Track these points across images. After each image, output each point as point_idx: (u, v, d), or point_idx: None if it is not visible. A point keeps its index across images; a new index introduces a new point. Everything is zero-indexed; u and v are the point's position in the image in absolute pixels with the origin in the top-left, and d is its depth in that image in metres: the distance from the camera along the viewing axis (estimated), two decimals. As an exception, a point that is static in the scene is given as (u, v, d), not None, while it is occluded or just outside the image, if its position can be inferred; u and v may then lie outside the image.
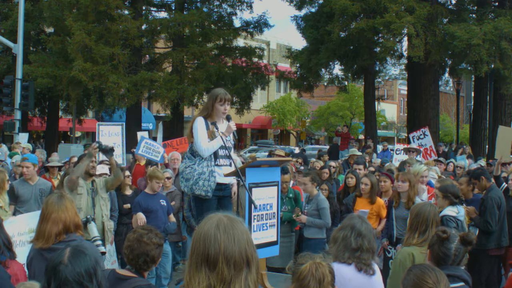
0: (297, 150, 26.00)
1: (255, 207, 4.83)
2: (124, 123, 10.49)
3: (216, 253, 1.98)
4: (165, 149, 12.04)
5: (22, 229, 5.41)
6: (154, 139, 18.38)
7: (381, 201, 7.44)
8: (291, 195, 7.76)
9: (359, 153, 13.77)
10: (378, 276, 3.72)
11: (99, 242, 5.90)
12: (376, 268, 3.71)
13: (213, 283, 1.98)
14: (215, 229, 2.02)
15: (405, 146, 13.39)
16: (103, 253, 5.76)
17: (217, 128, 5.32)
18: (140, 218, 6.90)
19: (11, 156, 12.61)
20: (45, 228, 3.76)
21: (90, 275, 2.29)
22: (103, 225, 6.72)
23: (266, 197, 5.06)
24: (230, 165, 5.41)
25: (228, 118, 5.42)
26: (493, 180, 7.63)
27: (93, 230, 6.05)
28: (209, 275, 1.98)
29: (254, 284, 2.05)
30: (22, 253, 4.54)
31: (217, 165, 5.38)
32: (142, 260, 3.34)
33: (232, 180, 5.62)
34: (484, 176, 7.34)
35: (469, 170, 10.29)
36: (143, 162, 10.46)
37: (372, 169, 9.93)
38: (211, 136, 5.33)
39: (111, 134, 10.12)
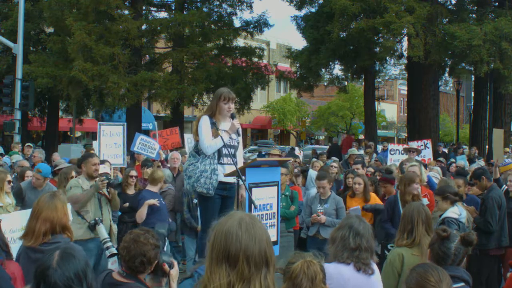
0: (297, 151, 25.95)
1: (255, 207, 4.84)
2: (125, 123, 10.46)
3: (237, 251, 2.03)
4: (156, 139, 12.11)
5: (14, 226, 5.42)
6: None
7: (374, 195, 7.71)
8: (287, 193, 7.76)
9: (358, 152, 13.77)
10: (377, 275, 3.72)
11: (109, 244, 5.93)
12: (375, 267, 3.72)
13: (233, 280, 2.02)
14: (237, 227, 2.07)
15: (404, 146, 13.31)
16: (114, 254, 5.78)
17: (217, 128, 5.36)
18: (151, 203, 6.94)
19: (10, 156, 12.63)
20: (34, 226, 3.79)
21: (80, 279, 2.25)
22: (110, 227, 6.75)
23: (266, 197, 5.07)
24: (236, 164, 5.45)
25: (233, 116, 5.50)
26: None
27: (102, 232, 6.08)
28: (229, 272, 2.03)
29: (273, 283, 2.09)
30: (14, 250, 4.55)
31: (220, 163, 5.41)
32: (138, 261, 3.30)
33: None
34: (485, 176, 7.35)
35: (458, 170, 10.35)
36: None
37: (371, 169, 9.93)
38: (216, 134, 5.37)
39: (112, 134, 10.09)
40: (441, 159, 13.75)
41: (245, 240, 2.04)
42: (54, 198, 3.89)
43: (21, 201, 7.11)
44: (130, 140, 11.06)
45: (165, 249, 6.95)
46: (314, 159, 12.59)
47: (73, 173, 7.28)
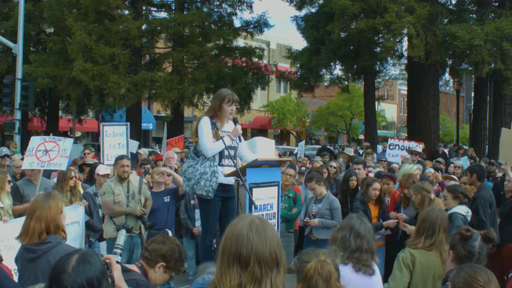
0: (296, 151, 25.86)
1: (255, 207, 4.83)
2: (129, 124, 10.42)
3: (248, 253, 2.06)
4: (166, 147, 12.33)
5: (11, 234, 5.44)
6: (154, 139, 18.49)
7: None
8: (291, 194, 7.77)
9: (352, 154, 13.82)
10: (378, 276, 3.73)
11: (118, 250, 6.03)
12: (376, 268, 3.72)
13: (244, 281, 2.05)
14: (248, 229, 2.11)
15: (402, 141, 13.27)
16: (116, 262, 5.85)
17: (217, 129, 5.32)
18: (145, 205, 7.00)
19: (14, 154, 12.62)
20: (28, 224, 3.78)
21: (93, 287, 2.21)
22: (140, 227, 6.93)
23: (266, 197, 5.06)
24: (235, 166, 5.41)
25: (235, 121, 5.42)
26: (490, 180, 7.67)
27: (120, 237, 6.17)
28: (240, 273, 2.06)
29: (283, 284, 2.12)
30: (11, 257, 4.58)
31: (221, 165, 5.35)
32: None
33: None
34: (476, 174, 7.42)
35: (465, 169, 10.28)
36: None
37: (371, 169, 9.93)
38: (216, 137, 5.31)
39: (116, 134, 10.05)
40: (439, 159, 13.72)
41: (256, 242, 2.08)
42: (48, 198, 3.89)
43: (19, 199, 7.10)
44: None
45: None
46: (315, 160, 12.59)
47: (72, 173, 7.27)
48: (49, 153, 7.45)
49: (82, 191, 7.50)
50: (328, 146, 23.36)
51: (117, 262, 5.91)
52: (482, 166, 9.18)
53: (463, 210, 5.78)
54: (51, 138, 7.73)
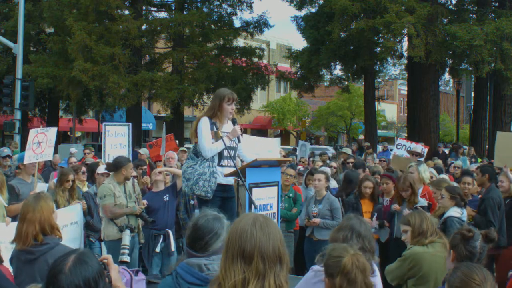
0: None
1: (255, 207, 4.83)
2: (130, 124, 10.40)
3: (252, 249, 2.11)
4: (149, 149, 12.25)
5: (10, 236, 5.44)
6: (154, 139, 18.49)
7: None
8: (291, 194, 7.77)
9: (350, 153, 13.82)
10: (378, 276, 3.72)
11: (125, 251, 6.05)
12: (376, 268, 3.72)
13: (248, 276, 2.09)
14: (251, 226, 2.16)
15: (409, 142, 13.25)
16: (125, 262, 5.89)
17: (217, 128, 5.32)
18: (142, 203, 6.98)
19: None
20: (21, 228, 3.75)
21: (90, 287, 2.21)
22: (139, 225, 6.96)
23: (266, 197, 5.06)
24: (235, 166, 5.40)
25: (234, 122, 5.42)
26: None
27: (125, 238, 6.19)
28: (244, 269, 2.10)
29: (286, 281, 2.16)
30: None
31: (221, 165, 5.34)
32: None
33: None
34: (488, 174, 7.39)
35: (465, 169, 10.24)
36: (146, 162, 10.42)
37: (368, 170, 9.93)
38: (217, 137, 5.30)
39: (117, 134, 10.03)
40: (437, 160, 13.70)
41: (259, 238, 2.12)
42: (39, 199, 3.86)
43: (16, 198, 7.08)
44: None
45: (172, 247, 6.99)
46: (317, 160, 12.58)
47: (70, 177, 7.21)
48: (41, 144, 7.46)
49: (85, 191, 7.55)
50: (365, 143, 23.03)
51: (126, 262, 5.95)
52: (493, 166, 9.09)
53: (457, 212, 5.73)
54: (41, 129, 7.77)
